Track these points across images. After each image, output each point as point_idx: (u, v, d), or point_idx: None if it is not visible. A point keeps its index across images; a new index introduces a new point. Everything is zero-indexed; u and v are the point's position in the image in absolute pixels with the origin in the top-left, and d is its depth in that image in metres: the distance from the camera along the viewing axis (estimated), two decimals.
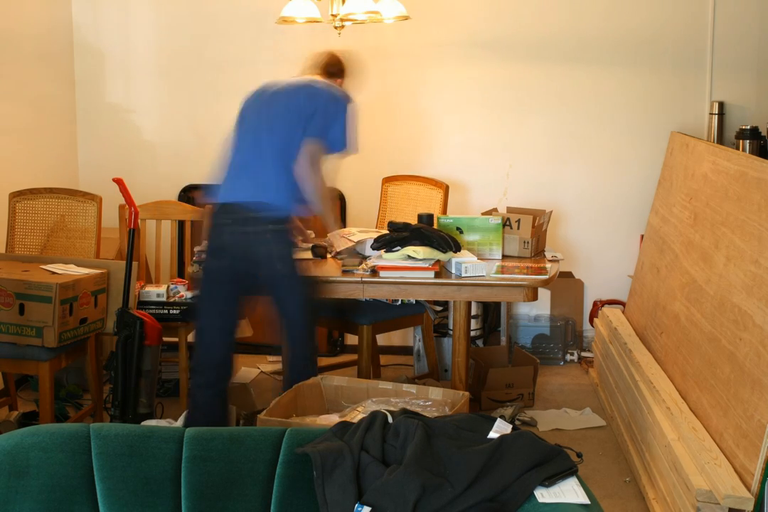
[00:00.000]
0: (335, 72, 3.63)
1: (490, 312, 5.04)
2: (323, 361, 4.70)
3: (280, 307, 3.45)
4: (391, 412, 2.19)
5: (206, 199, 3.51)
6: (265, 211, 3.33)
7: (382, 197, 4.75)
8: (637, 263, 4.76)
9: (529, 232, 3.87)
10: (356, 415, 2.93)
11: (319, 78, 3.58)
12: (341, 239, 3.78)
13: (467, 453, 1.98)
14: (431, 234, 3.56)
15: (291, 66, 5.03)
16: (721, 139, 4.80)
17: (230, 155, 3.48)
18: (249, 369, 4.85)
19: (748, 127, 4.53)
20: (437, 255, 3.53)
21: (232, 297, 3.43)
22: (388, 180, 4.77)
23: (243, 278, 3.40)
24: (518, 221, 3.88)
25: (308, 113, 3.43)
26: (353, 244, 3.76)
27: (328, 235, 3.79)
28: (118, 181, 3.69)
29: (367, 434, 2.09)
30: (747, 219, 3.23)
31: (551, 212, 4.21)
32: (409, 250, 3.52)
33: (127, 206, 3.75)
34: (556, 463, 1.96)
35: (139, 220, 3.87)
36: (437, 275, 3.52)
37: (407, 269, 3.49)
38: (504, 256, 3.86)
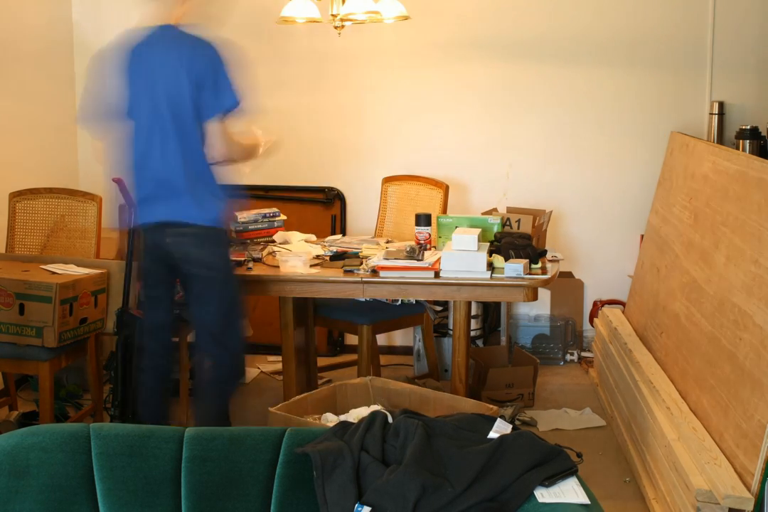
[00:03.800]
0: None
1: (490, 312, 5.04)
2: (324, 361, 4.71)
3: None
4: (391, 412, 2.19)
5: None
6: (194, 226, 3.21)
7: (382, 197, 4.75)
8: (637, 263, 4.76)
9: (529, 232, 3.87)
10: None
11: (171, 22, 3.07)
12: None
13: (467, 453, 1.98)
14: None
15: (291, 66, 5.09)
16: (721, 139, 4.80)
17: (130, 151, 3.22)
18: (249, 369, 4.85)
19: (748, 127, 4.53)
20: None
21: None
22: (388, 180, 4.77)
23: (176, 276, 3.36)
24: (518, 221, 3.89)
25: (195, 84, 3.02)
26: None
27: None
28: (118, 181, 3.68)
29: (367, 434, 2.09)
30: (747, 219, 3.23)
31: (551, 212, 4.21)
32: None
33: (127, 206, 3.74)
34: (556, 463, 1.96)
35: None
36: (437, 275, 3.52)
37: (407, 269, 3.49)
38: None
